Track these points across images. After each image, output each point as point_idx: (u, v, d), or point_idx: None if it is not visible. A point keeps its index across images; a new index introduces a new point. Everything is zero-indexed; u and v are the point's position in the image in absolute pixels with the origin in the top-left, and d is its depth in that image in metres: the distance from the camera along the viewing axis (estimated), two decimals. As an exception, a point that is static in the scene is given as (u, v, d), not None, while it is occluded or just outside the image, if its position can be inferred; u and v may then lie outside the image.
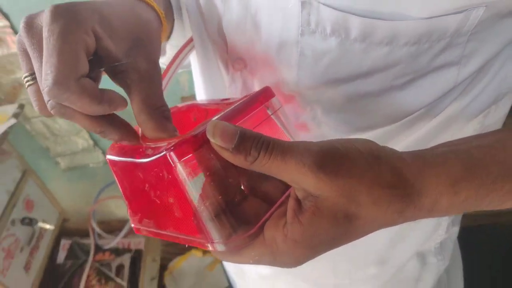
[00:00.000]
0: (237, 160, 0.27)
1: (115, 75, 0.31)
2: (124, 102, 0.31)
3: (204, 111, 0.40)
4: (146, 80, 0.31)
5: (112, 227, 1.59)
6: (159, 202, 0.31)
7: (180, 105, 0.42)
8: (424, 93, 0.37)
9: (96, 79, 0.32)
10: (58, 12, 0.28)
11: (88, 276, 1.39)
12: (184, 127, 0.41)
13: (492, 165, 0.27)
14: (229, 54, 0.42)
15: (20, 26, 0.29)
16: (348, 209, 0.26)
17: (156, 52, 0.35)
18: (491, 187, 0.27)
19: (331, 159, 0.26)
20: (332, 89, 0.37)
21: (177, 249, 1.99)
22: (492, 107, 0.42)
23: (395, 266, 0.57)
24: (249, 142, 0.26)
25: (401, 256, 0.55)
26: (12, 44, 1.26)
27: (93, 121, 0.30)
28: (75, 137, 1.54)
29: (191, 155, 0.28)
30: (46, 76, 0.27)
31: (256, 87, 0.43)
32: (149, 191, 0.32)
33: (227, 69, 0.44)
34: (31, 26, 0.29)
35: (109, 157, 0.35)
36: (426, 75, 0.36)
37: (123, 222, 1.59)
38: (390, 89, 0.36)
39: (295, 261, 0.29)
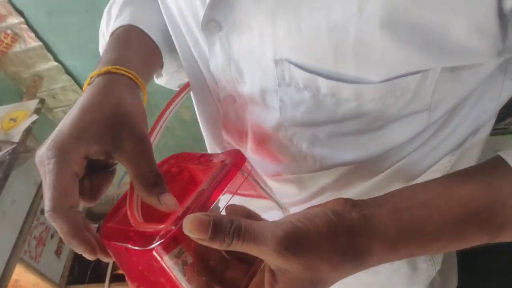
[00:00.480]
0: (214, 245, 0.30)
1: (112, 159, 0.36)
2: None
3: (184, 169, 0.43)
4: (134, 157, 0.36)
5: (136, 209, 1.66)
6: (152, 279, 0.34)
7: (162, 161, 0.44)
8: (399, 134, 0.40)
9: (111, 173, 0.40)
10: (48, 155, 0.34)
11: (115, 258, 1.48)
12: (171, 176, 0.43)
13: (429, 226, 0.32)
14: (219, 90, 0.45)
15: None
16: (313, 277, 0.31)
17: (139, 125, 0.38)
18: (427, 245, 0.32)
19: (295, 241, 0.29)
20: (313, 129, 0.41)
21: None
22: (469, 137, 0.45)
23: (387, 274, 0.59)
24: (222, 231, 0.29)
25: (392, 265, 0.58)
26: (29, 39, 1.30)
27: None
28: (96, 125, 1.59)
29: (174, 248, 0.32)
30: (46, 202, 0.33)
31: (248, 119, 0.45)
32: (142, 269, 0.35)
33: (219, 102, 0.47)
34: (40, 159, 0.35)
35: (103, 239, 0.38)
36: (399, 120, 0.38)
37: (146, 204, 1.65)
38: (367, 131, 0.39)
39: None
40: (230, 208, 0.36)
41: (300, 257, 0.29)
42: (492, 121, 0.46)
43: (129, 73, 0.42)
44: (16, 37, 1.29)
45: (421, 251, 0.33)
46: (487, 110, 0.42)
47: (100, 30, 0.54)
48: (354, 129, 0.39)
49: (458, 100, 0.38)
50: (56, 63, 1.35)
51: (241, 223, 0.30)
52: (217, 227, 0.29)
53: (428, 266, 0.60)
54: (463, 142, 0.44)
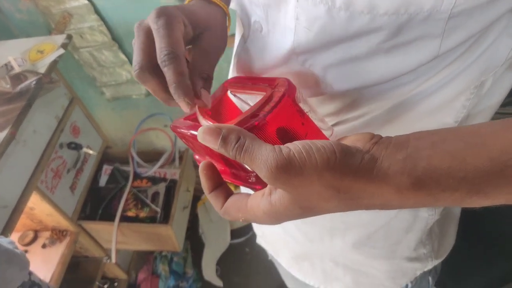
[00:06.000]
0: (223, 154, 0.34)
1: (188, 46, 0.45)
2: (193, 102, 0.41)
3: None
4: (203, 52, 0.45)
5: (151, 156, 1.69)
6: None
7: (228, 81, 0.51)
8: (408, 59, 0.39)
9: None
10: (159, 12, 0.40)
11: (126, 200, 1.51)
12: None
13: (447, 177, 0.29)
14: (251, 15, 0.47)
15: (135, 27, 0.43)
16: (302, 204, 0.33)
17: (218, 34, 0.47)
18: (440, 196, 0.30)
19: (284, 172, 0.30)
20: (325, 51, 0.41)
21: (211, 182, 2.09)
22: (487, 82, 0.44)
23: (386, 215, 0.61)
24: (229, 144, 0.33)
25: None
26: (62, -25, 1.30)
27: (167, 92, 0.42)
28: (119, 69, 1.61)
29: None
30: (161, 49, 0.39)
31: (270, 49, 0.46)
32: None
33: (250, 28, 0.49)
34: (140, 24, 0.42)
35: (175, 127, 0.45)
36: (409, 43, 0.38)
37: (161, 153, 1.68)
38: (377, 53, 0.39)
39: (267, 222, 0.36)
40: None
41: (289, 186, 0.31)
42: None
43: (226, 9, 0.51)
44: (49, -29, 1.29)
45: (432, 201, 0.31)
46: (500, 55, 0.42)
47: None
48: (364, 51, 0.39)
49: (473, 31, 0.37)
50: (86, 1, 1.36)
51: (244, 142, 0.32)
52: (224, 141, 0.33)
53: (429, 215, 0.61)
54: (479, 84, 0.44)
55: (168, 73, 0.39)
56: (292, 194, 0.32)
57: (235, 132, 0.33)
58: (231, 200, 0.38)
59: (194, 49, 0.44)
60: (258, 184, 0.38)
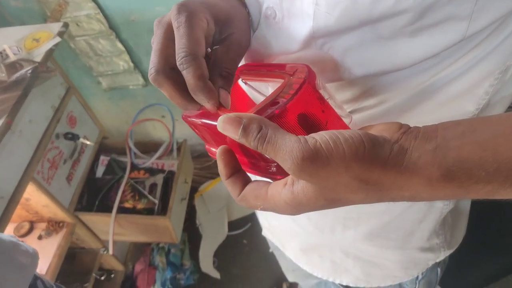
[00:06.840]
0: (242, 143, 0.33)
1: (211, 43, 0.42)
2: (216, 101, 0.38)
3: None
4: (224, 48, 0.41)
5: (148, 147, 1.67)
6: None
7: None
8: (433, 42, 0.38)
9: None
10: (181, 9, 0.38)
11: (124, 191, 1.50)
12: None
13: (479, 169, 0.29)
14: (264, 1, 0.45)
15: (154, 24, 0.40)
16: (328, 195, 0.32)
17: (241, 27, 0.45)
18: (472, 188, 0.29)
19: (310, 163, 0.30)
20: (346, 34, 0.39)
21: (209, 173, 2.08)
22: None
23: (402, 206, 0.60)
24: (250, 134, 0.32)
25: None
26: (58, -39, 1.27)
27: (184, 97, 0.39)
28: (116, 59, 1.58)
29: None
30: (179, 50, 0.37)
31: (286, 36, 0.44)
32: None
33: (261, 15, 0.47)
34: (160, 21, 0.40)
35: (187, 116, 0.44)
36: (435, 26, 0.36)
37: (158, 144, 1.66)
38: (400, 35, 0.37)
39: (287, 213, 0.35)
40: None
41: (315, 178, 0.30)
42: None
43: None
44: (45, -43, 1.26)
45: (464, 193, 0.30)
46: None
47: None
48: (386, 33, 0.38)
49: (501, 13, 0.35)
50: (83, -11, 1.33)
51: (266, 133, 0.31)
52: (245, 131, 0.32)
53: (444, 205, 0.60)
54: (503, 69, 0.42)
55: (187, 76, 0.37)
56: (317, 185, 0.31)
57: (256, 122, 0.32)
58: (249, 187, 0.37)
59: (219, 42, 0.41)
60: (279, 174, 0.37)
